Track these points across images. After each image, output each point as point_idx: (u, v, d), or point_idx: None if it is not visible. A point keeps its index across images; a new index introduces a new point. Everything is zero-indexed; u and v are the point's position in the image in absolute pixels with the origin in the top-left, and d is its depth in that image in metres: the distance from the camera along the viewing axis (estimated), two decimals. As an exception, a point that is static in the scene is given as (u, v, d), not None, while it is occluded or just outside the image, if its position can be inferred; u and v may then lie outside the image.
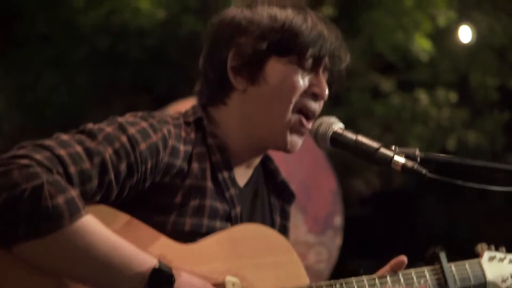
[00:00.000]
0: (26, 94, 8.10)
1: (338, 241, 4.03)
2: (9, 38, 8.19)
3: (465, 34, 7.58)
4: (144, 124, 1.80)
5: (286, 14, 1.92)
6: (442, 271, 1.95)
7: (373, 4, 7.59)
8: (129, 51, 8.02)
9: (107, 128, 1.75)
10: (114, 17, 7.16)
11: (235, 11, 1.96)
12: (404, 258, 1.94)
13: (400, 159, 1.81)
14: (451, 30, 7.74)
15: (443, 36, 7.86)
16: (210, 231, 1.85)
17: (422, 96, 8.11)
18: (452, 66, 8.05)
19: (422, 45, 7.49)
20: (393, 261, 1.94)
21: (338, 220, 4.00)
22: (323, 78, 1.96)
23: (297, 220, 3.75)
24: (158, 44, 7.91)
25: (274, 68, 1.91)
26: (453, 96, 8.15)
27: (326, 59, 1.95)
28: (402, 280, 1.92)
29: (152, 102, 7.46)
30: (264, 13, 1.93)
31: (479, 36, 7.68)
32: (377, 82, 8.41)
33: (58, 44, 8.14)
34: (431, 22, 7.52)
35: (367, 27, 8.05)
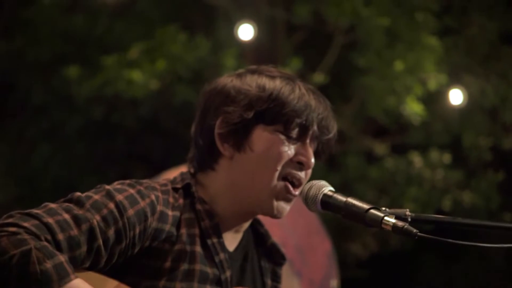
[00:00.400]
0: (21, 165, 8.14)
1: (334, 304, 3.99)
2: (4, 110, 8.27)
3: (456, 96, 7.65)
4: (131, 191, 1.82)
5: (274, 84, 1.95)
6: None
7: (364, 69, 7.69)
8: (123, 121, 8.10)
9: (95, 195, 1.77)
10: (107, 88, 7.23)
11: (225, 80, 2.00)
12: None
13: (390, 220, 1.80)
14: (442, 93, 7.82)
15: (434, 99, 7.95)
16: (200, 295, 1.86)
17: (416, 159, 8.18)
18: (445, 128, 8.12)
19: (414, 109, 7.57)
20: None
21: (334, 283, 3.97)
22: (309, 147, 1.97)
23: (293, 284, 3.72)
24: (152, 113, 7.99)
25: (260, 136, 1.94)
26: (446, 158, 8.21)
27: (314, 129, 1.97)
28: None
29: (147, 170, 7.50)
30: (253, 82, 1.96)
31: (470, 98, 7.76)
32: (370, 146, 8.48)
33: (53, 115, 8.22)
34: (422, 86, 7.60)
35: (359, 92, 8.16)
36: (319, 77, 7.62)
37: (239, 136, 1.93)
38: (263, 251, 2.12)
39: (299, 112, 1.93)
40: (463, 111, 7.91)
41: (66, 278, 1.59)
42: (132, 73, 7.08)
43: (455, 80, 7.81)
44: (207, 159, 1.98)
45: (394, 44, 7.57)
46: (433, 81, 7.65)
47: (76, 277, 1.62)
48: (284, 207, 1.97)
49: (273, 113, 1.92)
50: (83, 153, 8.21)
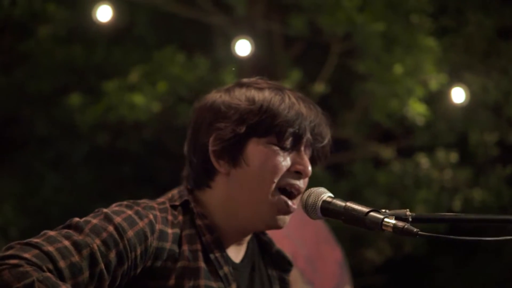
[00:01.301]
0: (30, 197, 8.17)
1: (349, 311, 3.98)
2: (9, 144, 8.31)
3: (458, 95, 7.63)
4: (129, 212, 1.83)
5: (263, 96, 1.95)
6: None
7: (364, 76, 7.69)
8: (128, 146, 8.13)
9: (93, 220, 1.77)
10: (110, 113, 7.27)
11: (214, 96, 2.00)
12: None
13: (390, 221, 1.79)
14: (444, 92, 7.81)
15: (436, 100, 7.94)
16: (207, 310, 1.86)
17: (423, 160, 8.16)
18: (449, 127, 8.11)
19: (417, 110, 7.56)
20: None
21: (347, 291, 3.97)
22: (305, 156, 1.98)
23: (306, 295, 3.72)
24: (155, 136, 8.02)
25: (255, 150, 1.94)
26: (453, 157, 8.19)
27: (308, 137, 1.97)
28: None
29: (155, 193, 7.52)
30: (242, 96, 1.96)
31: (473, 95, 7.75)
32: (376, 151, 8.47)
33: (58, 145, 8.26)
34: (423, 87, 7.59)
35: (361, 99, 8.16)
36: (319, 87, 7.63)
37: (233, 151, 1.93)
38: (268, 258, 2.12)
39: (291, 121, 1.93)
40: (466, 109, 7.89)
41: None
42: (134, 97, 7.11)
43: (456, 79, 7.79)
44: (203, 177, 1.98)
45: (391, 48, 7.56)
46: (434, 81, 7.64)
47: None
48: (286, 218, 1.98)
49: (265, 125, 1.92)
50: (90, 180, 8.25)
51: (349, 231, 7.96)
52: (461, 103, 7.61)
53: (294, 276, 3.68)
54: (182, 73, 7.30)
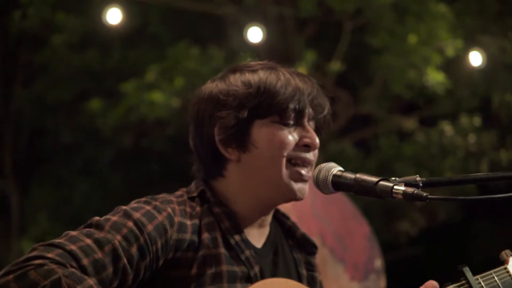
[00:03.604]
0: (63, 205, 8.26)
1: (382, 283, 3.99)
2: (37, 155, 8.40)
3: (475, 59, 7.59)
4: (148, 207, 1.87)
5: (259, 77, 1.98)
6: (469, 286, 1.93)
7: (379, 50, 7.67)
8: (153, 144, 8.18)
9: (113, 217, 1.82)
10: (132, 114, 7.33)
11: (210, 86, 2.02)
12: (434, 283, 1.91)
13: (400, 188, 1.81)
14: (461, 57, 7.76)
15: (455, 65, 7.90)
16: (232, 294, 1.89)
17: (447, 128, 8.13)
18: (470, 92, 8.06)
19: (436, 78, 7.52)
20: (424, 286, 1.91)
21: (378, 263, 3.98)
22: (310, 128, 2.01)
23: (338, 271, 3.75)
24: (178, 131, 8.06)
25: (260, 132, 1.96)
26: (477, 121, 8.15)
27: (309, 110, 2.00)
28: None
29: (185, 187, 7.56)
30: (238, 81, 1.98)
31: (491, 57, 7.69)
32: (400, 123, 8.45)
33: (84, 151, 8.33)
34: (439, 55, 7.56)
35: (379, 73, 8.13)
36: (335, 66, 7.62)
37: (240, 137, 1.96)
38: (293, 243, 2.15)
39: (289, 98, 1.96)
40: (486, 72, 7.84)
41: None
42: (152, 95, 7.16)
43: (472, 42, 7.75)
44: (214, 168, 2.01)
45: (404, 19, 7.53)
46: (450, 47, 7.60)
47: None
48: (304, 187, 2.00)
49: (266, 105, 1.95)
50: (120, 183, 8.31)
51: (381, 206, 7.95)
52: (479, 66, 7.57)
53: (323, 256, 3.70)
54: (198, 66, 7.33)
